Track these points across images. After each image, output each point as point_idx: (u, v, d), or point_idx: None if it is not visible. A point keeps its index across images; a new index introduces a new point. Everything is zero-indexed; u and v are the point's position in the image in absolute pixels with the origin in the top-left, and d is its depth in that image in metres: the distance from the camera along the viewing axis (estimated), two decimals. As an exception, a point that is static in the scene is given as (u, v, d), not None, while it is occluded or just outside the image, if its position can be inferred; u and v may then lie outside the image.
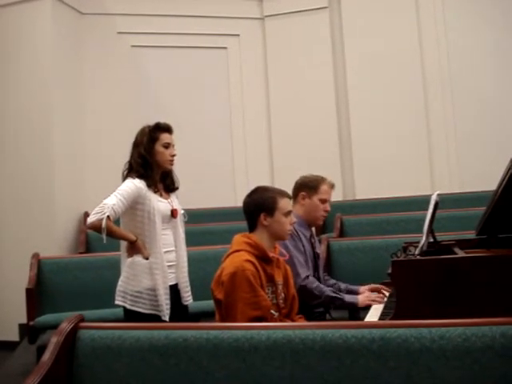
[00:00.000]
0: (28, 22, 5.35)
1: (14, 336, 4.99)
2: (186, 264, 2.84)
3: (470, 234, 2.89)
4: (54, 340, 1.64)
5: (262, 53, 6.41)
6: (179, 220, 2.84)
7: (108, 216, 2.56)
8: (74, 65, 5.73)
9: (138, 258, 2.68)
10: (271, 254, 2.44)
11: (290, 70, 6.26)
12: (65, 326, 1.67)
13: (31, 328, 3.78)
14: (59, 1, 5.47)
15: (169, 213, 2.77)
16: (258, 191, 2.53)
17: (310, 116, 6.14)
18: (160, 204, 2.73)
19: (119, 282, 2.72)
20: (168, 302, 2.69)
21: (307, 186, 3.05)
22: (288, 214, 2.49)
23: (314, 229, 3.18)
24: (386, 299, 2.78)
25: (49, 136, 5.27)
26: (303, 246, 2.92)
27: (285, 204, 2.49)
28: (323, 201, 3.03)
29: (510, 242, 2.54)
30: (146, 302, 2.65)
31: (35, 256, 4.14)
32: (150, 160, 2.75)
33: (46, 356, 1.60)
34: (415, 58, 5.98)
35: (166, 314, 2.66)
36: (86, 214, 5.58)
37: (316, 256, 3.04)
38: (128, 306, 2.66)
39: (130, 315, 2.65)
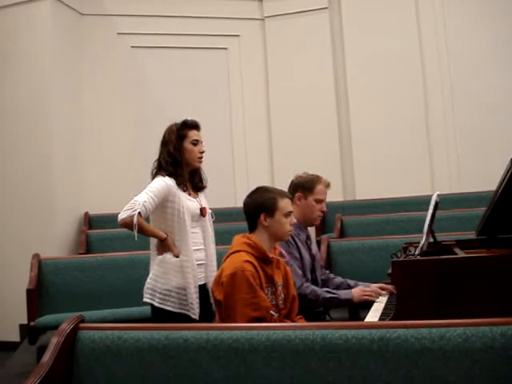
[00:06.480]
0: (28, 22, 5.35)
1: (14, 336, 4.99)
2: (215, 263, 2.79)
3: (470, 235, 2.90)
4: (54, 341, 1.64)
5: (263, 53, 6.42)
6: (208, 219, 2.81)
7: (139, 213, 2.53)
8: (73, 66, 5.73)
9: (168, 256, 2.65)
10: (271, 255, 2.44)
11: (290, 70, 6.27)
12: (65, 327, 1.67)
13: (32, 328, 3.78)
14: (59, 2, 5.47)
15: (198, 211, 2.74)
16: (259, 191, 2.53)
17: (310, 116, 6.14)
18: (189, 202, 2.71)
19: (148, 280, 2.69)
20: (198, 301, 2.66)
21: (303, 187, 2.98)
22: (288, 214, 2.49)
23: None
24: (385, 296, 2.76)
25: (48, 136, 5.27)
26: (299, 250, 2.87)
27: (285, 205, 2.48)
28: (319, 201, 2.98)
29: (510, 243, 2.55)
30: (174, 301, 2.63)
31: (36, 257, 4.14)
32: (179, 158, 2.72)
33: (46, 356, 1.60)
34: (415, 59, 5.98)
35: (196, 312, 2.64)
36: (86, 215, 5.59)
37: (312, 257, 2.99)
38: (156, 304, 2.63)
39: (158, 313, 2.62)
